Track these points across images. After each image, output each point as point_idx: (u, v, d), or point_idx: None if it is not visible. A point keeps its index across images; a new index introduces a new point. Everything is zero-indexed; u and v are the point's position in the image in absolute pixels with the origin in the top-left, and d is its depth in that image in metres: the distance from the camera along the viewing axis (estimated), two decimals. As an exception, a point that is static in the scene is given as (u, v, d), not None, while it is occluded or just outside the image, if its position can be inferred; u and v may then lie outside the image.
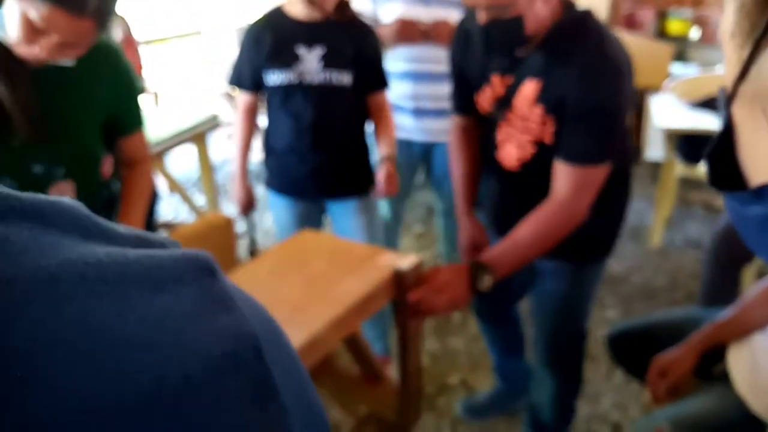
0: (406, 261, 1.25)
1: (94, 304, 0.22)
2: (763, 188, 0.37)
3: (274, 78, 1.81)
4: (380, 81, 1.91)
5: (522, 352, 1.97)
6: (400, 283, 1.23)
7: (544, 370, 1.67)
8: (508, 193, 1.49)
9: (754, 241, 0.41)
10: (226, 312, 0.26)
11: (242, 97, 1.95)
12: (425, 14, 2.17)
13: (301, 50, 1.77)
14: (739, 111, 0.38)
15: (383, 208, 2.42)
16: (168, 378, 0.22)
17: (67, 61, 1.21)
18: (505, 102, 1.32)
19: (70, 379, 0.20)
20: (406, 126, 2.28)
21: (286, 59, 1.79)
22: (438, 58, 2.23)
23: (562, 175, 1.26)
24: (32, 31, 1.07)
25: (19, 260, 0.22)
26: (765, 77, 0.34)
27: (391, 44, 2.20)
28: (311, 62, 1.77)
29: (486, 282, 1.24)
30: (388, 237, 2.43)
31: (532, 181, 1.35)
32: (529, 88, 1.26)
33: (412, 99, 2.25)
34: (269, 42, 1.80)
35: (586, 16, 1.25)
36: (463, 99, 1.51)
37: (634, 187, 4.26)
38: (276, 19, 1.83)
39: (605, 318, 2.57)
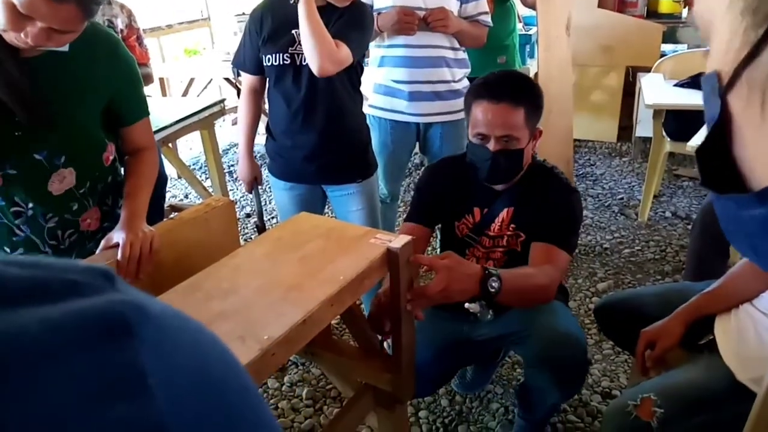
0: (398, 240, 1.21)
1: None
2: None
3: (270, 59, 1.76)
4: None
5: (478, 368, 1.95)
6: (392, 261, 1.20)
7: (552, 388, 1.52)
8: None
9: (753, 244, 0.35)
10: (125, 400, 0.21)
11: (246, 79, 1.91)
12: (421, 1, 2.11)
13: (296, 33, 1.72)
14: (738, 101, 0.31)
15: (381, 187, 2.38)
16: None
17: (61, 48, 1.16)
18: (480, 228, 1.61)
19: None
20: (402, 109, 2.23)
21: (281, 42, 1.74)
22: (432, 43, 2.17)
23: (539, 252, 1.48)
24: (17, 17, 1.02)
25: None
26: None
27: (391, 33, 2.14)
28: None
29: (495, 285, 1.29)
30: (386, 215, 2.39)
31: None
32: (503, 215, 1.58)
33: (408, 84, 2.19)
34: (269, 25, 1.76)
35: (546, 162, 1.62)
36: (422, 214, 1.65)
37: (626, 162, 4.21)
38: (277, 2, 1.78)
39: (596, 289, 2.54)
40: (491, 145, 1.45)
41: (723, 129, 0.33)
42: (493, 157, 1.45)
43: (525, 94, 1.46)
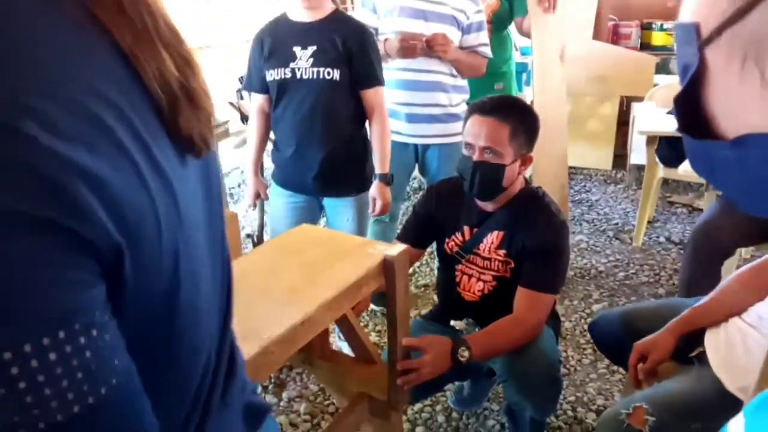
0: (394, 249, 1.25)
1: None
2: (742, 139, 0.32)
3: (272, 75, 1.83)
4: (370, 77, 1.88)
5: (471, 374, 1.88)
6: (388, 269, 1.23)
7: (523, 402, 1.53)
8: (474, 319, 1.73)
9: (731, 183, 0.36)
10: None
11: (254, 99, 1.99)
12: (425, 29, 2.18)
13: (296, 49, 1.79)
14: (717, 57, 0.32)
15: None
16: None
17: None
18: (469, 247, 1.63)
19: None
20: (401, 130, 2.28)
21: (282, 58, 1.81)
22: (432, 69, 2.23)
23: (524, 298, 1.51)
24: None
25: None
26: (766, 25, 0.29)
27: (395, 57, 2.20)
28: (303, 59, 1.79)
29: (465, 354, 1.38)
30: (385, 235, 2.42)
31: (489, 310, 1.57)
32: (493, 237, 1.59)
33: (406, 105, 2.25)
34: (269, 43, 1.84)
35: (540, 189, 1.64)
36: (411, 235, 1.71)
37: (621, 189, 4.25)
38: (277, 23, 1.87)
39: (591, 311, 2.55)
40: (475, 156, 1.51)
41: (698, 78, 0.34)
42: (474, 166, 1.51)
43: (514, 113, 1.53)
